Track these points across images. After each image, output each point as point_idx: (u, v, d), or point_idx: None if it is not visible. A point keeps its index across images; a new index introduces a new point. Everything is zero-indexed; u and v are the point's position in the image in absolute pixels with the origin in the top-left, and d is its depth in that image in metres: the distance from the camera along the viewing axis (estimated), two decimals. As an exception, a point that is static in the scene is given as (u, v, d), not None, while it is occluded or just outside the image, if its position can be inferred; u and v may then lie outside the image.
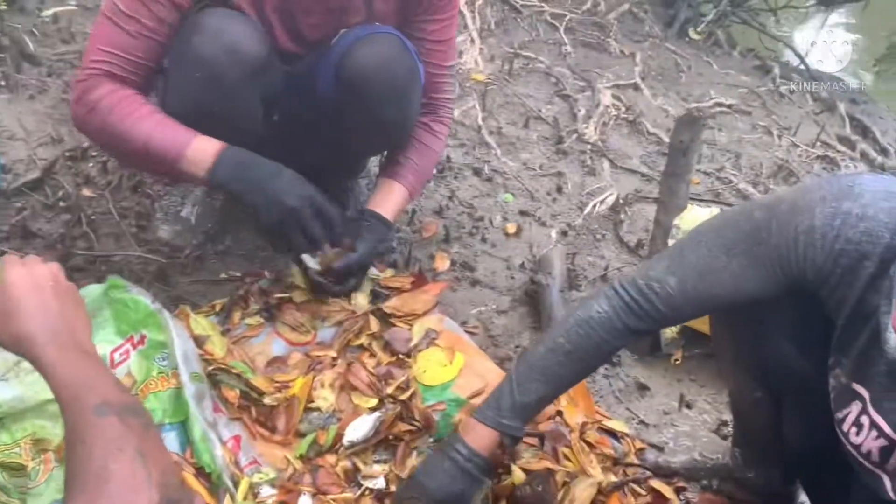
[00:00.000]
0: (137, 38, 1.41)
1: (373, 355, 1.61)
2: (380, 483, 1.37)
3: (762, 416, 1.32)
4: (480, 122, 2.56)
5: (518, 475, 1.37)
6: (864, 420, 1.02)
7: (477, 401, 1.48)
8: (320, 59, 1.65)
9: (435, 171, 2.29)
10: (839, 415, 1.07)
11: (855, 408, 1.04)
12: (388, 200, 1.72)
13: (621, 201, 2.39)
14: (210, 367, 1.48)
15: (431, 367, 1.58)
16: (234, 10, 1.48)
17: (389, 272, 1.82)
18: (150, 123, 1.42)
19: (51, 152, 1.93)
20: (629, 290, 1.17)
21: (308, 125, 1.74)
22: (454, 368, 1.58)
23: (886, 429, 0.99)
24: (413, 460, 1.41)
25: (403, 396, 1.50)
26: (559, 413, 1.54)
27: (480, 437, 1.23)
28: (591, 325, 1.18)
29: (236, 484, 1.31)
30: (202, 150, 1.43)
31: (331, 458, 1.40)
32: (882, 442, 1.01)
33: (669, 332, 1.88)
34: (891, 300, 0.95)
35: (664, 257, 1.18)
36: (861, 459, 1.05)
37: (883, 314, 0.97)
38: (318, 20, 1.58)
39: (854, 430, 1.04)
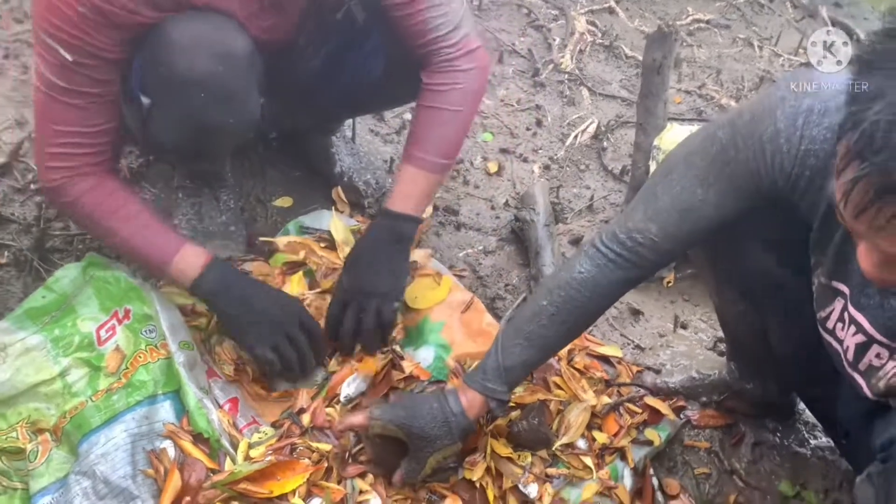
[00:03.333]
0: (89, 108, 1.31)
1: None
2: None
3: (748, 327, 1.32)
4: (453, 62, 2.50)
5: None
6: (846, 316, 1.02)
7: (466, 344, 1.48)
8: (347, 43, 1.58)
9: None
10: (822, 313, 1.06)
11: (838, 304, 1.03)
12: (405, 190, 1.47)
13: (603, 129, 2.36)
14: (202, 333, 1.47)
15: (421, 292, 1.58)
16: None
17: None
18: (135, 226, 1.39)
19: (15, 136, 1.89)
20: (611, 245, 1.14)
21: (298, 93, 1.66)
22: (444, 289, 1.59)
23: (865, 324, 0.99)
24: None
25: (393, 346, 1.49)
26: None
27: (469, 399, 1.23)
28: (574, 286, 1.16)
29: (235, 446, 1.31)
30: (188, 262, 1.39)
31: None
32: (860, 338, 1.00)
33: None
34: None
35: (639, 203, 1.14)
36: (843, 359, 1.04)
37: None
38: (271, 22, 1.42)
39: (840, 325, 1.03)
